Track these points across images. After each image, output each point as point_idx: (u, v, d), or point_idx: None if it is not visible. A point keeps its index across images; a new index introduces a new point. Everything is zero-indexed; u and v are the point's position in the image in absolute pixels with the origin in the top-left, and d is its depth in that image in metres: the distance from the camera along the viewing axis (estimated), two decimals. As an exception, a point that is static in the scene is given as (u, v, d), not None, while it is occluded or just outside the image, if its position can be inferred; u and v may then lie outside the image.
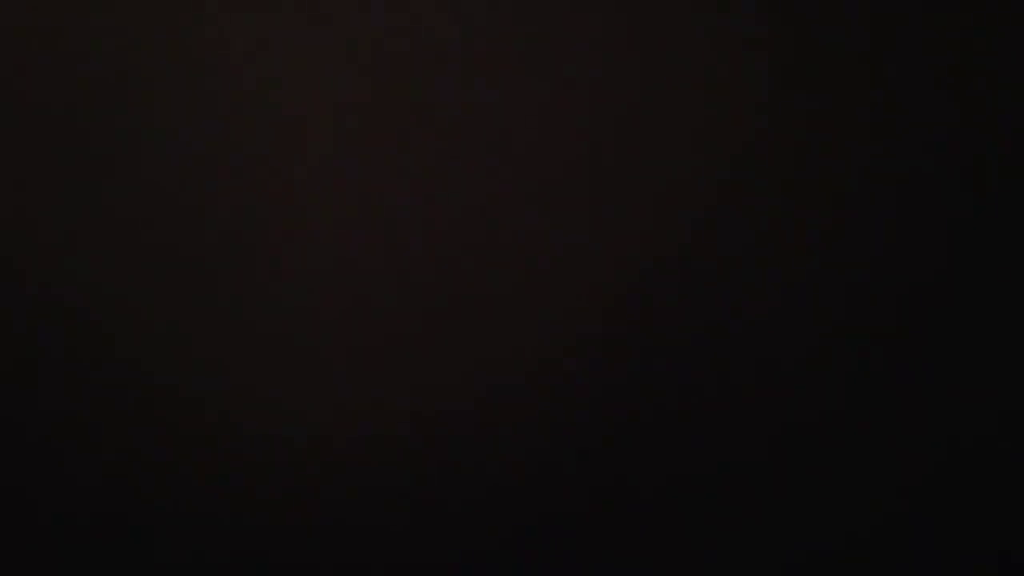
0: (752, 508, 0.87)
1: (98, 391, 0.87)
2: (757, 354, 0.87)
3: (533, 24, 0.88)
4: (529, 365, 0.87)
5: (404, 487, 0.87)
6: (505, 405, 0.87)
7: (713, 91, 0.88)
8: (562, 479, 0.87)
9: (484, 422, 0.87)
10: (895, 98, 0.88)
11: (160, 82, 0.87)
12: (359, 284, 0.88)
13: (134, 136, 0.87)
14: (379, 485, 0.87)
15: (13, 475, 0.87)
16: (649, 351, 0.87)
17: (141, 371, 0.87)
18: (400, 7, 0.88)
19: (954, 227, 0.88)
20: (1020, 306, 0.88)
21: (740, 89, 0.88)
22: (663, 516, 0.87)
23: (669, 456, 0.87)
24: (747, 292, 0.88)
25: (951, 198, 0.88)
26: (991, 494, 0.87)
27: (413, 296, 0.88)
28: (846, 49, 0.88)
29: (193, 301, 0.87)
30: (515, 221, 0.88)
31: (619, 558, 0.87)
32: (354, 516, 0.87)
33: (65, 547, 0.87)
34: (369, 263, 0.88)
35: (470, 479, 0.87)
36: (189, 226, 0.87)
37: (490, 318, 0.88)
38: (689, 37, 0.88)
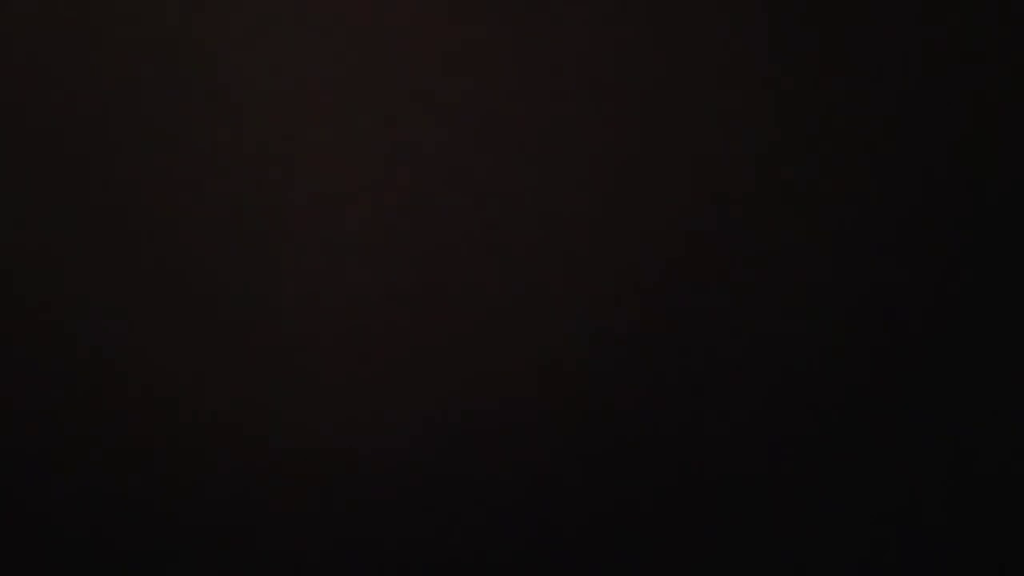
0: (758, 512, 0.88)
1: (92, 397, 0.87)
2: (764, 357, 0.88)
3: (537, 22, 0.88)
4: (532, 372, 0.88)
5: (404, 495, 0.87)
6: (507, 412, 0.87)
7: (718, 91, 0.88)
8: (564, 487, 0.87)
9: (486, 430, 0.87)
10: (897, 97, 0.88)
11: (160, 82, 0.87)
12: (359, 291, 0.87)
13: (133, 138, 0.87)
14: (379, 494, 0.87)
15: (14, 486, 0.87)
16: (652, 355, 0.87)
17: (138, 379, 0.87)
18: (400, 6, 0.88)
19: (955, 227, 0.88)
20: (1020, 306, 0.88)
21: (745, 89, 0.88)
22: (665, 521, 0.88)
23: (673, 461, 0.87)
24: (753, 294, 0.88)
25: (951, 198, 0.88)
26: (990, 495, 0.88)
27: (414, 303, 0.88)
28: (848, 47, 0.88)
29: (192, 309, 0.87)
30: (518, 224, 0.88)
31: (622, 563, 0.88)
32: (353, 524, 0.87)
33: (64, 557, 0.87)
34: (370, 268, 0.87)
35: (470, 487, 0.87)
36: (187, 232, 0.87)
37: (493, 324, 0.88)
38: (694, 36, 0.88)
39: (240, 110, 0.87)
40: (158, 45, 0.87)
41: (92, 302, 0.87)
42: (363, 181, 0.88)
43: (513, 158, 0.88)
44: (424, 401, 0.87)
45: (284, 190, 0.87)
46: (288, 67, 0.88)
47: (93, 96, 0.87)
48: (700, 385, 0.87)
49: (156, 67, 0.87)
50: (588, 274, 0.88)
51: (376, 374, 0.87)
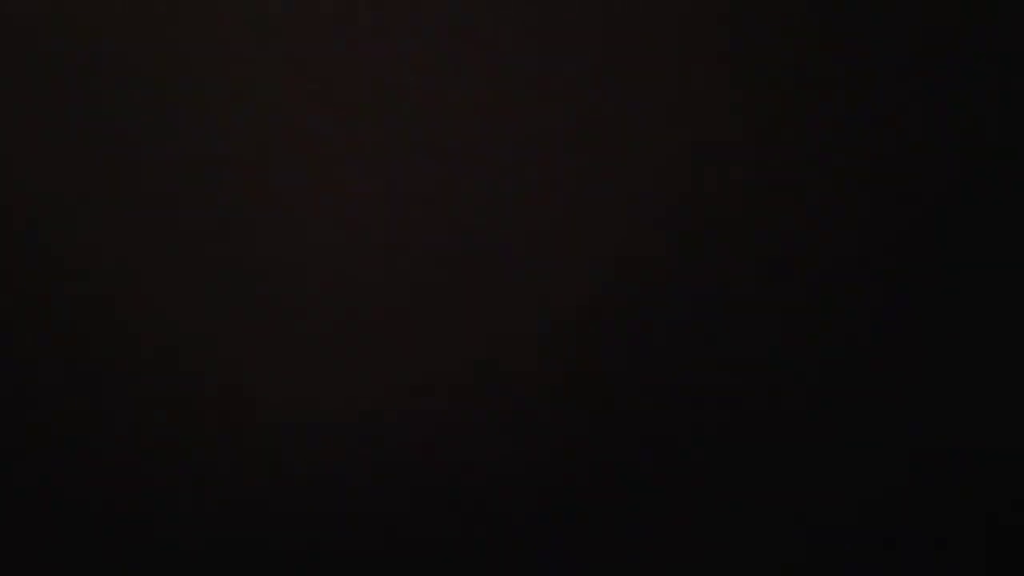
0: (745, 506, 0.87)
1: (95, 379, 0.87)
2: (748, 350, 0.87)
3: (535, 22, 0.88)
4: (526, 358, 0.88)
5: (398, 481, 0.87)
6: (499, 399, 0.87)
7: (700, 86, 0.88)
8: (556, 474, 0.87)
9: (478, 416, 0.87)
10: (885, 95, 0.88)
11: (171, 81, 0.88)
12: (355, 278, 0.88)
13: (137, 131, 0.88)
14: (374, 480, 0.87)
15: (18, 468, 0.87)
16: (644, 345, 0.87)
17: (140, 363, 0.87)
18: (401, 7, 0.89)
19: (951, 224, 0.88)
20: (1019, 306, 0.88)
21: (728, 83, 0.88)
22: (656, 512, 0.87)
23: (662, 451, 0.87)
24: (737, 288, 0.88)
25: (947, 196, 0.88)
26: (988, 493, 0.87)
27: (408, 291, 0.88)
28: (834, 45, 0.88)
29: (191, 291, 0.87)
30: (510, 216, 0.88)
31: (611, 552, 0.87)
32: (347, 507, 0.87)
33: (67, 538, 0.87)
34: (366, 256, 0.88)
35: (465, 474, 0.87)
36: (190, 218, 0.88)
37: (484, 311, 0.88)
38: (692, 36, 0.88)
39: (241, 110, 0.88)
40: (170, 42, 0.88)
41: (93, 288, 0.87)
42: (363, 176, 0.88)
43: (511, 156, 0.88)
44: (423, 389, 0.88)
45: (285, 184, 0.88)
46: (294, 68, 0.88)
47: (102, 92, 0.88)
48: (696, 375, 0.87)
49: (167, 65, 0.88)
50: (584, 267, 0.88)
51: (374, 362, 0.88)
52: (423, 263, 0.88)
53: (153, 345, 0.87)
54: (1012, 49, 0.88)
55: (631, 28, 0.88)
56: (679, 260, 0.88)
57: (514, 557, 0.87)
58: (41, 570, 0.87)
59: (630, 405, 0.87)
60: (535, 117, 0.88)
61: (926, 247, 0.88)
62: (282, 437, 0.87)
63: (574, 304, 0.88)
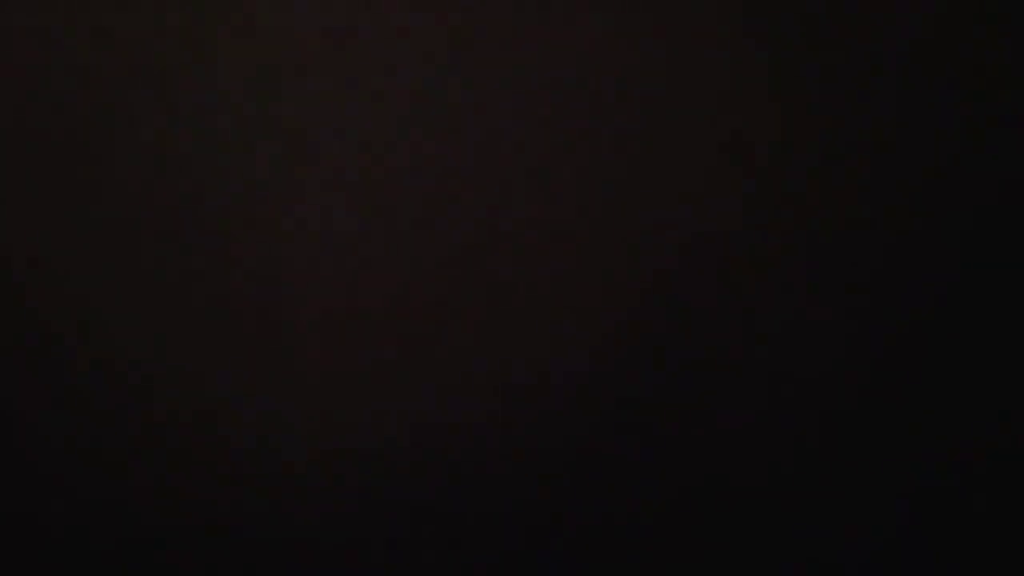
0: (761, 517, 0.87)
1: (91, 397, 0.87)
2: (769, 364, 0.87)
3: (537, 23, 0.88)
4: (533, 373, 0.87)
5: (403, 498, 0.87)
6: (508, 414, 0.87)
7: (729, 94, 0.88)
8: (567, 489, 0.87)
9: (487, 432, 0.87)
10: (901, 100, 0.88)
11: (163, 81, 0.87)
12: (360, 290, 0.88)
13: (133, 137, 0.87)
14: (378, 496, 0.87)
15: (6, 485, 0.87)
16: (652, 357, 0.87)
17: (135, 379, 0.87)
18: (401, 8, 0.88)
19: (962, 230, 0.88)
20: (1019, 306, 0.88)
21: (754, 92, 0.88)
22: (668, 526, 0.87)
23: (677, 465, 0.87)
24: (757, 300, 0.88)
25: (957, 201, 0.88)
26: (991, 498, 0.88)
27: (415, 305, 0.88)
28: (851, 49, 0.88)
29: (191, 308, 0.87)
30: (523, 225, 0.88)
31: (622, 568, 0.88)
32: (353, 527, 0.87)
33: (56, 557, 0.87)
34: (372, 267, 0.87)
35: (472, 489, 0.87)
36: (187, 231, 0.87)
37: (495, 326, 0.88)
38: (692, 38, 0.88)
39: (240, 110, 0.87)
40: (160, 43, 0.88)
41: (89, 300, 0.87)
42: (364, 180, 0.88)
43: (513, 159, 0.88)
44: (424, 401, 0.87)
45: (285, 188, 0.87)
46: (289, 70, 0.88)
47: (92, 95, 0.87)
48: (702, 389, 0.87)
49: (159, 65, 0.87)
50: (588, 274, 0.88)
51: (375, 373, 0.88)
52: (424, 271, 0.88)
53: (151, 369, 0.87)
54: (1012, 49, 0.88)
55: (635, 30, 0.88)
56: (683, 267, 0.88)
57: (515, 558, 0.88)
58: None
59: (638, 413, 0.87)
60: (541, 122, 0.88)
61: (927, 249, 0.88)
62: (283, 449, 0.87)
63: (577, 306, 0.88)
